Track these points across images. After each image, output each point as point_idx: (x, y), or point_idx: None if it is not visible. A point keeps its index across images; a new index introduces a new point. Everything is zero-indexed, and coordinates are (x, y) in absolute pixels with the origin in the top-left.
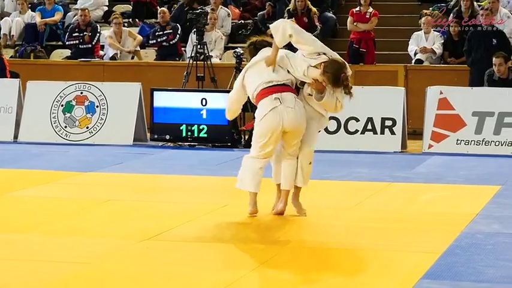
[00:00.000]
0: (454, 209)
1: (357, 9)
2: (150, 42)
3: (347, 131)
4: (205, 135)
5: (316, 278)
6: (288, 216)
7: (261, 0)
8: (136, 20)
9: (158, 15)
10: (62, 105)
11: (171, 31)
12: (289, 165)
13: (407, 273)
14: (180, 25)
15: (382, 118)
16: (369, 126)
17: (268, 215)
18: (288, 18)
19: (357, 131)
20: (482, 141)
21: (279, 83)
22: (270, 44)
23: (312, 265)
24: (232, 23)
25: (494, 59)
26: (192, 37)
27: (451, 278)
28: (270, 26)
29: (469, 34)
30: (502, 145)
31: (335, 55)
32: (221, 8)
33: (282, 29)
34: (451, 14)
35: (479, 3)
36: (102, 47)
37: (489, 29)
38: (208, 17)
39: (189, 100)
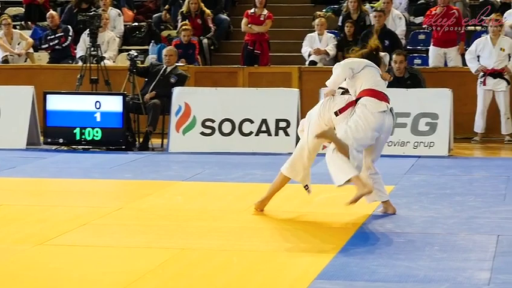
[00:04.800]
0: (348, 209)
1: (252, 11)
2: (43, 46)
3: (241, 133)
4: (99, 138)
5: (209, 280)
6: (183, 219)
7: (155, 3)
8: (29, 22)
9: (47, 20)
10: None
11: (62, 34)
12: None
13: (301, 274)
14: (71, 27)
15: (276, 120)
16: (263, 128)
17: (162, 218)
18: (182, 21)
19: (251, 132)
20: None
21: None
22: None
23: (205, 268)
24: (126, 25)
25: (394, 56)
26: (84, 38)
27: (344, 278)
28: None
29: (362, 35)
30: (394, 145)
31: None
32: (111, 8)
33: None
34: (341, 16)
35: (371, 4)
36: None
37: (382, 29)
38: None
39: (82, 103)
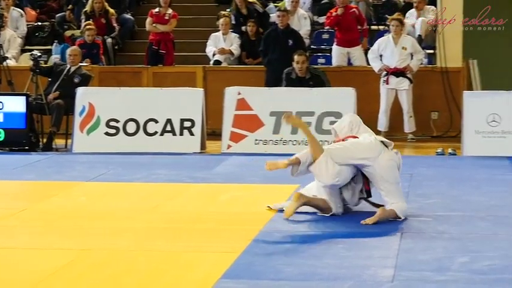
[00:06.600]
0: (253, 208)
1: (156, 10)
2: None
3: (146, 133)
4: (2, 139)
5: (115, 281)
6: (88, 220)
7: (58, 2)
8: None
9: None
10: None
11: None
12: None
13: (206, 273)
14: None
15: (181, 119)
16: (168, 128)
17: (67, 219)
18: (85, 20)
19: (156, 132)
20: (280, 140)
21: None
22: None
23: (110, 268)
24: (28, 25)
25: (296, 56)
26: None
27: (249, 277)
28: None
29: (265, 34)
30: (299, 144)
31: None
32: (13, 8)
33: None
34: (232, 16)
35: (275, 4)
36: None
37: (285, 29)
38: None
39: None
